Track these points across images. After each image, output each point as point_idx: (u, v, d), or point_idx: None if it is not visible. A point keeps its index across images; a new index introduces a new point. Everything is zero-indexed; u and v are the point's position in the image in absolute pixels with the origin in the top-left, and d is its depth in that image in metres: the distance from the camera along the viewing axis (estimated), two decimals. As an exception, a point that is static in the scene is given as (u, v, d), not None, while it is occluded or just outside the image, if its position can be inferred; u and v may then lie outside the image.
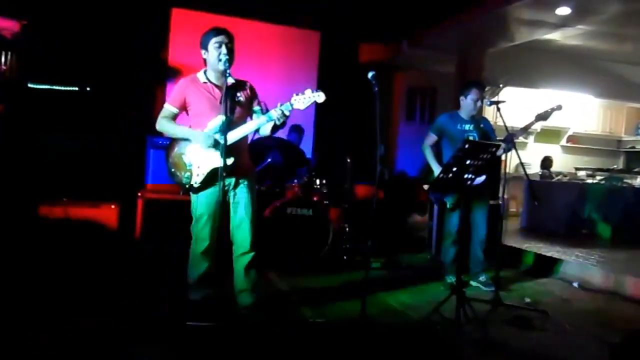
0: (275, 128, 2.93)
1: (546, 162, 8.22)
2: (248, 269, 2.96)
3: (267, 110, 2.92)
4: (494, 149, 3.18)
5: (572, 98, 8.72)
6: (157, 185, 4.92)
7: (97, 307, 3.10)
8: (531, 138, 9.11)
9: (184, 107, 2.97)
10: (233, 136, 2.83)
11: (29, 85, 5.29)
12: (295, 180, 4.76)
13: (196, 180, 2.88)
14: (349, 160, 5.04)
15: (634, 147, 9.57)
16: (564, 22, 6.14)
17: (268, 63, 6.72)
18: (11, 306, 2.98)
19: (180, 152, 2.93)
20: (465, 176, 3.13)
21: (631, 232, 6.03)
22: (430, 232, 5.31)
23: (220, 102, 2.81)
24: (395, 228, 6.05)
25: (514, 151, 3.61)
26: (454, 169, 3.03)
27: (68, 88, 5.89)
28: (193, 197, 2.95)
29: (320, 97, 2.83)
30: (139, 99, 6.06)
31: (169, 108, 2.96)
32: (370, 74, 2.93)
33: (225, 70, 2.77)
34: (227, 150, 2.68)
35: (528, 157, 8.68)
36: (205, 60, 2.92)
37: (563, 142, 9.45)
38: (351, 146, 6.30)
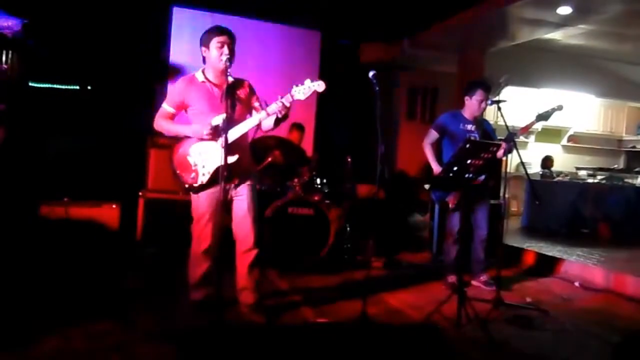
0: (278, 122, 2.92)
1: (547, 162, 8.22)
2: (252, 266, 2.96)
3: (267, 106, 2.92)
4: (494, 149, 3.17)
5: (573, 97, 8.69)
6: (158, 185, 4.91)
7: (97, 307, 3.10)
8: (532, 137, 9.10)
9: (181, 108, 2.98)
10: (235, 133, 2.83)
11: (30, 84, 5.29)
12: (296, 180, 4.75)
13: (202, 180, 2.87)
14: (349, 160, 5.04)
15: (634, 147, 9.54)
16: (565, 22, 6.13)
17: (269, 63, 6.69)
18: (11, 306, 2.98)
19: (184, 152, 2.92)
20: (466, 176, 3.13)
21: (632, 231, 6.03)
22: (431, 232, 5.31)
23: (221, 101, 2.82)
24: (396, 227, 6.04)
25: (515, 151, 3.61)
26: (455, 167, 3.04)
27: (69, 87, 5.89)
28: (193, 197, 2.95)
29: (320, 86, 2.82)
30: (139, 98, 6.05)
31: (165, 108, 2.98)
32: (371, 74, 2.93)
33: (225, 70, 2.77)
34: (230, 148, 2.68)
35: (529, 156, 8.66)
36: (204, 57, 2.92)
37: (564, 141, 9.43)
38: (352, 146, 6.30)
